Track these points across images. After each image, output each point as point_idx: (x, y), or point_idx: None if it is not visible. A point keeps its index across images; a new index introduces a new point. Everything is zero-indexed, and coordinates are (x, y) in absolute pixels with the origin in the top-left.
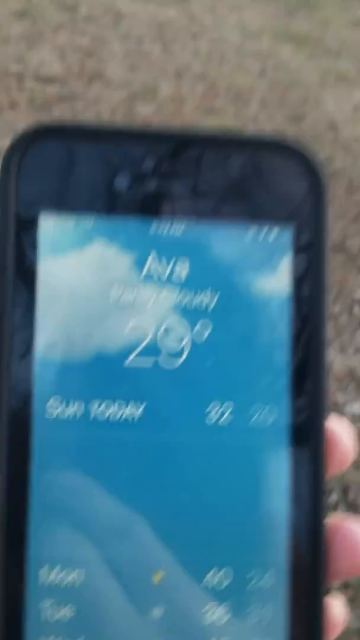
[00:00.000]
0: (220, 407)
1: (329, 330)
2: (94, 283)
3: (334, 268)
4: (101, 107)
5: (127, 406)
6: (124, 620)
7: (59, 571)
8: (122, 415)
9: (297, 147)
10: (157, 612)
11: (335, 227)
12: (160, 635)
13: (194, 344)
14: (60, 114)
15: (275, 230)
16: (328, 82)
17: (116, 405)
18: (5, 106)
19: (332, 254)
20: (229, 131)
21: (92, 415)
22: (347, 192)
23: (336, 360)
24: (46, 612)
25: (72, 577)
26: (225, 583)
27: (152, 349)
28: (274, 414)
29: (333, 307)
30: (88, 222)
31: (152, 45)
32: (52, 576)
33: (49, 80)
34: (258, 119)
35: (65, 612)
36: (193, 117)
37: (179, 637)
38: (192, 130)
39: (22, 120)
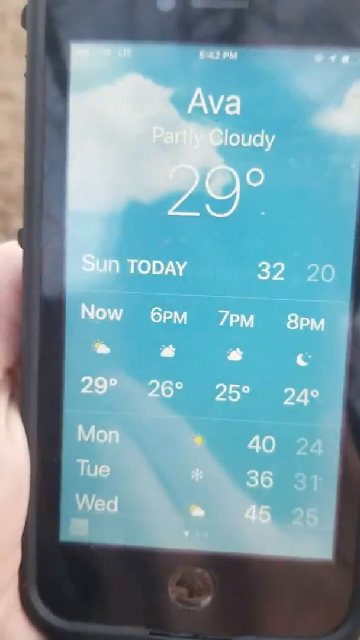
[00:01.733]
0: (275, 262)
1: None
2: (132, 122)
3: None
4: None
5: (171, 260)
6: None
7: (94, 431)
8: (165, 270)
9: None
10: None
11: None
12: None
13: (246, 192)
14: None
15: (348, 56)
16: None
17: (159, 259)
18: None
19: None
20: None
21: (131, 270)
22: None
23: None
24: (83, 468)
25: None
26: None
27: (200, 196)
28: (334, 272)
29: None
30: (125, 52)
31: None
32: (89, 435)
33: None
34: None
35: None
36: None
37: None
38: None
39: (8, 63)
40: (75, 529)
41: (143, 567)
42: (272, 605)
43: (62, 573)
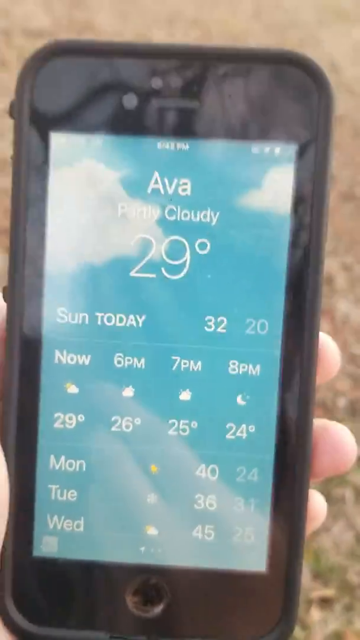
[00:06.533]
0: (219, 317)
1: (342, 281)
2: (102, 198)
3: (344, 217)
4: None
5: (132, 314)
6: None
7: (64, 461)
8: (127, 322)
9: (302, 58)
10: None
11: (342, 176)
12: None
13: (195, 258)
14: None
15: (279, 149)
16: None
17: (122, 313)
18: None
19: (340, 203)
20: (238, 46)
21: (98, 322)
22: (353, 138)
23: (352, 312)
24: (54, 492)
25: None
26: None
27: (157, 261)
28: (267, 325)
29: (345, 257)
30: (97, 141)
31: None
32: (59, 464)
33: (37, 34)
34: None
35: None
36: None
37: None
38: (215, 46)
39: (14, 79)
40: (46, 545)
41: (104, 578)
42: (216, 611)
43: (34, 584)
